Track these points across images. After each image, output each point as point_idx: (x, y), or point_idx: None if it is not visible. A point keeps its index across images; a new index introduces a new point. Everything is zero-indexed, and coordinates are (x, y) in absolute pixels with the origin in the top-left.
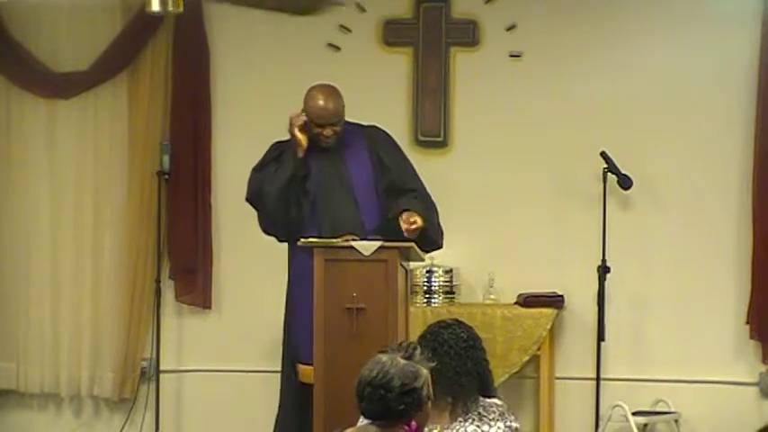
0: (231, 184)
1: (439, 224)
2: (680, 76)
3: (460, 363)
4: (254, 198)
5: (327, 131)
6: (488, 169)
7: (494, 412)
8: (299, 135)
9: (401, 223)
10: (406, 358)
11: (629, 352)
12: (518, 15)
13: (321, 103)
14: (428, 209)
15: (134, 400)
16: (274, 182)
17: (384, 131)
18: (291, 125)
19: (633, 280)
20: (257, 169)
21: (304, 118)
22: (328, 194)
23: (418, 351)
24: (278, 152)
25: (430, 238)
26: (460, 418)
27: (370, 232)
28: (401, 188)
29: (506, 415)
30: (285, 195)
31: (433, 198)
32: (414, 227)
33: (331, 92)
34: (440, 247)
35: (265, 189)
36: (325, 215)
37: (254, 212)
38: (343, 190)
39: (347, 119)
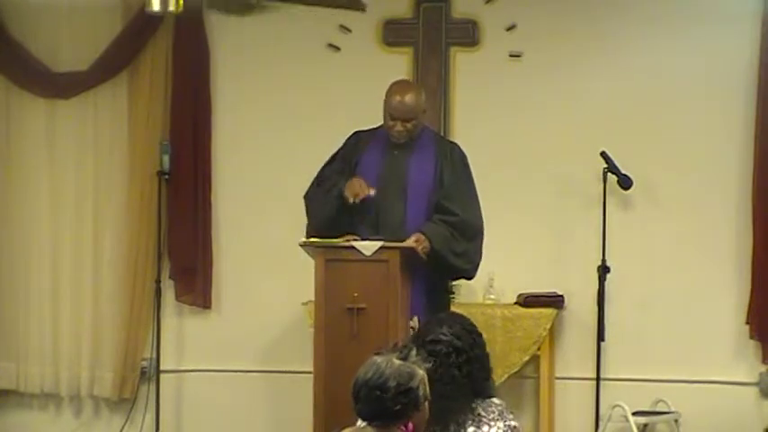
0: (231, 184)
1: (468, 254)
2: (680, 77)
3: (448, 385)
4: (306, 202)
5: (398, 126)
6: (488, 169)
7: (493, 412)
8: (350, 198)
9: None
10: (401, 359)
11: (629, 352)
12: (518, 15)
13: (398, 97)
14: (455, 237)
15: (134, 400)
16: (323, 209)
17: (461, 151)
18: (356, 193)
19: (633, 280)
20: (326, 164)
21: (369, 194)
22: (381, 194)
23: (414, 352)
24: (350, 150)
25: (449, 265)
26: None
27: (411, 233)
28: (444, 206)
29: (505, 414)
30: (330, 224)
31: (477, 228)
32: (417, 246)
33: (411, 89)
34: (467, 276)
35: (313, 211)
36: (372, 213)
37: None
38: (396, 193)
39: (431, 127)
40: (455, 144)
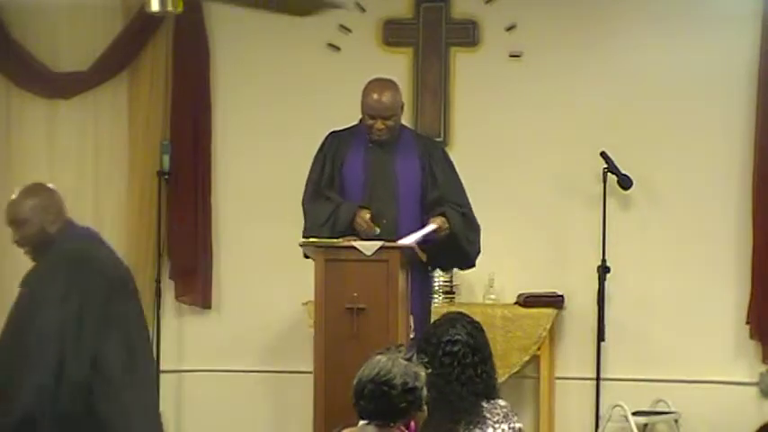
0: (231, 184)
1: (476, 243)
2: (680, 77)
3: (465, 385)
4: (305, 207)
5: (378, 125)
6: (488, 169)
7: (498, 414)
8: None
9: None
10: (406, 359)
11: (629, 352)
12: (518, 15)
13: (375, 95)
14: (467, 226)
15: None
16: (320, 217)
17: (444, 150)
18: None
19: (633, 280)
20: (313, 172)
21: (375, 231)
22: (371, 191)
23: (416, 355)
24: (332, 151)
25: (462, 250)
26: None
27: (405, 235)
28: (449, 202)
29: (510, 416)
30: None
31: (478, 223)
32: (440, 227)
33: (388, 86)
34: (472, 264)
35: (313, 218)
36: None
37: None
38: (387, 190)
39: (407, 124)
40: (437, 142)
